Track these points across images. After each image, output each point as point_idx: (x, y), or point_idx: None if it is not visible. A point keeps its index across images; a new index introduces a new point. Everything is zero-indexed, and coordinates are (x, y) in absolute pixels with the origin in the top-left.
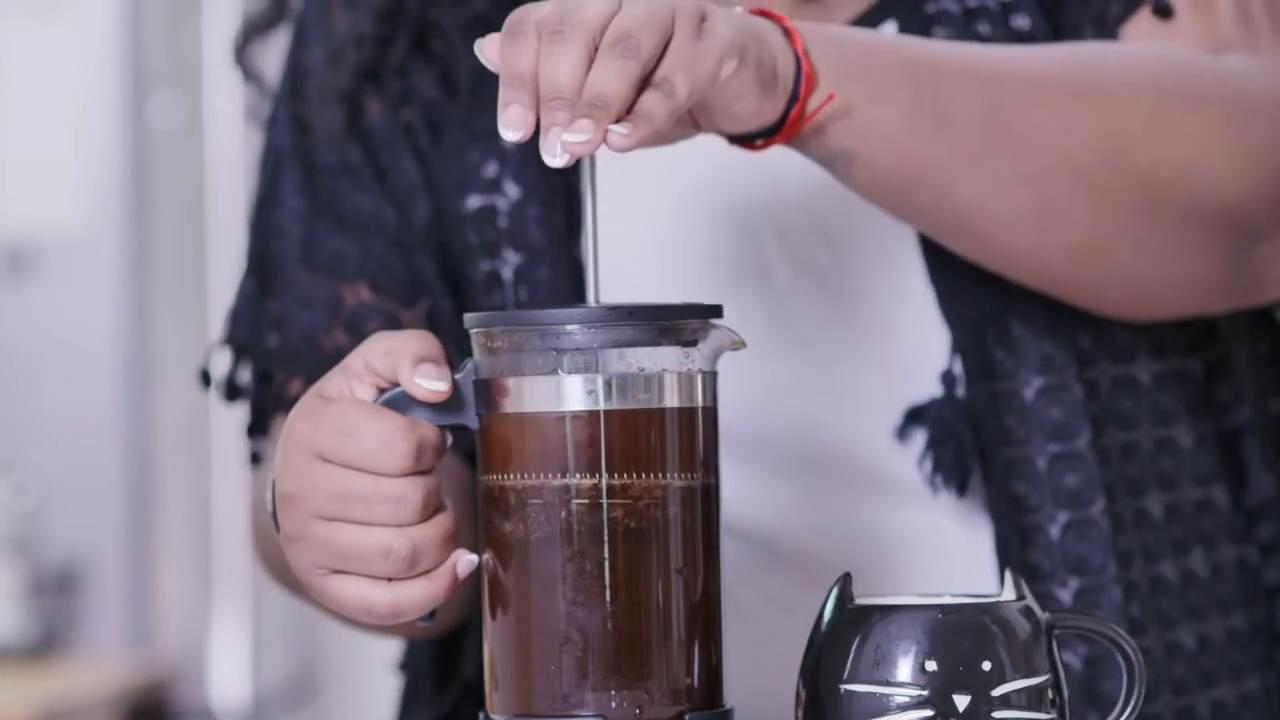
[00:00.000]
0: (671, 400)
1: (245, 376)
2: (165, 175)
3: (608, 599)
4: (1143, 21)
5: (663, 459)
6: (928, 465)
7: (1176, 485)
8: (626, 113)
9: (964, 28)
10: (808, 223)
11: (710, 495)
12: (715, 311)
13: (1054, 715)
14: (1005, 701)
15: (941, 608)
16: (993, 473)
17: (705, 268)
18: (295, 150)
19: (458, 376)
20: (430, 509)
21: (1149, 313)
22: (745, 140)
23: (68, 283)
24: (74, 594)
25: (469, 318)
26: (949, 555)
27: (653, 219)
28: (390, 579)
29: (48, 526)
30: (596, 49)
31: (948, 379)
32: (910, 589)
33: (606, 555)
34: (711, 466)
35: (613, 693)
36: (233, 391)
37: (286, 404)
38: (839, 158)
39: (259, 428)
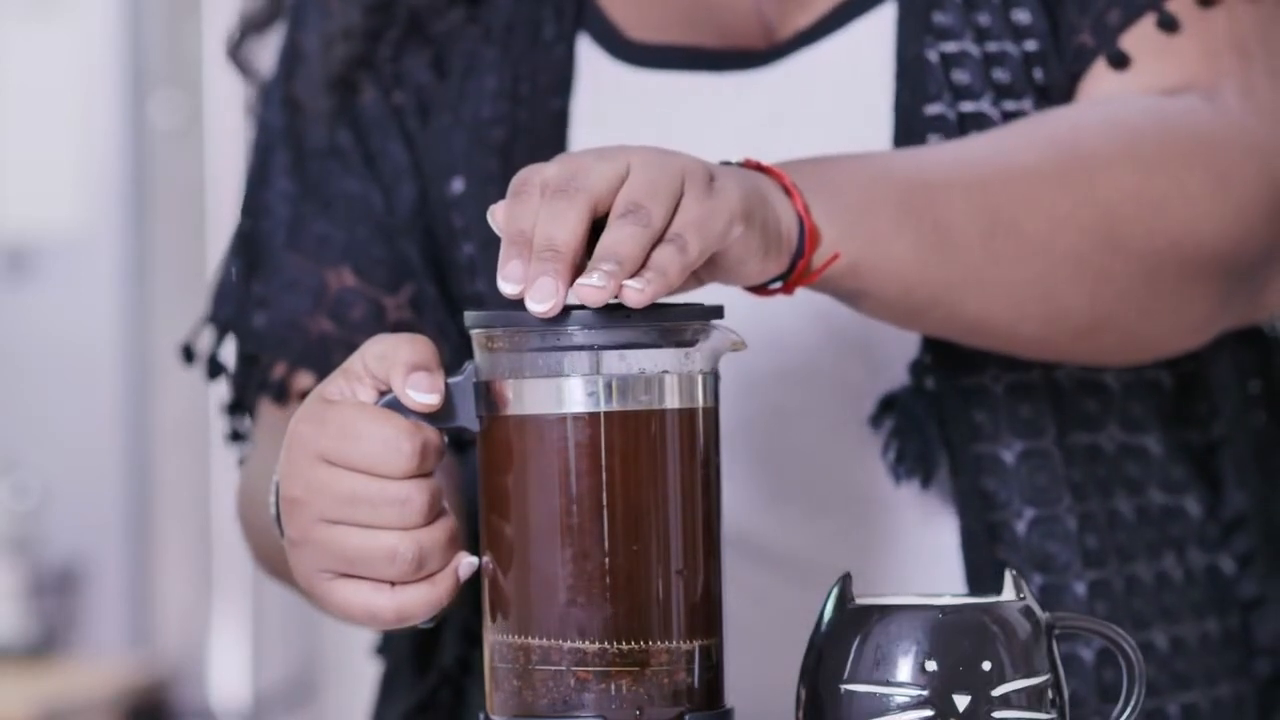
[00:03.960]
0: (672, 401)
1: (228, 355)
2: (165, 175)
3: (608, 600)
4: (1143, 33)
5: (664, 461)
6: (891, 455)
7: (1143, 491)
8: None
9: (963, 17)
10: None
11: (711, 495)
12: (716, 312)
13: (1054, 715)
14: (1005, 701)
15: (942, 608)
16: (960, 467)
17: None
18: (287, 132)
19: (457, 380)
20: (434, 512)
21: (1153, 358)
22: (753, 287)
23: (68, 283)
24: (74, 594)
25: (469, 317)
26: (916, 550)
27: None
28: (394, 583)
29: (48, 526)
30: (598, 212)
31: (917, 369)
32: (880, 583)
33: (608, 564)
34: (712, 466)
35: (613, 693)
36: (215, 369)
37: (271, 387)
38: (847, 297)
39: (240, 406)
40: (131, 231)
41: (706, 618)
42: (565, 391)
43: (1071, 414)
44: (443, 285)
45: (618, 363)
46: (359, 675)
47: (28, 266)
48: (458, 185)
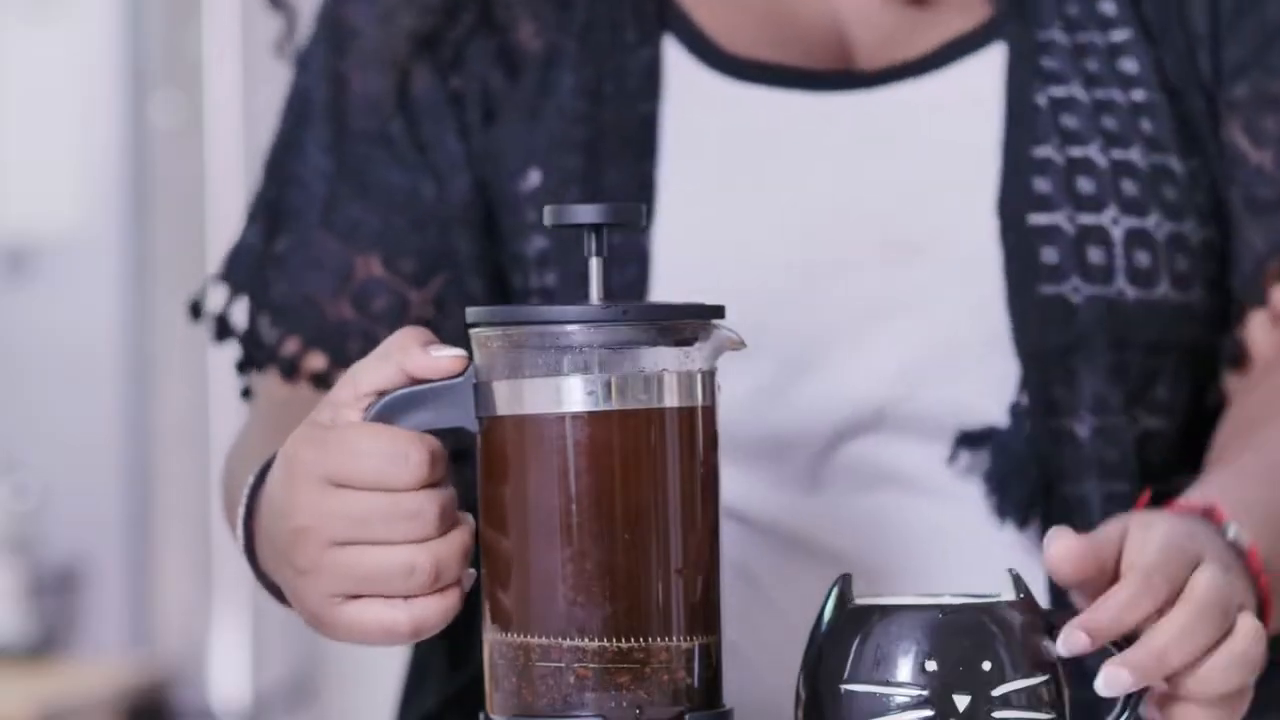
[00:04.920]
0: (672, 400)
1: (239, 318)
2: (165, 175)
3: (608, 598)
4: None
5: (663, 459)
6: (995, 498)
7: None
8: None
9: (1072, 62)
10: (889, 235)
11: (710, 494)
12: (716, 311)
13: (1053, 715)
14: (1005, 701)
15: (941, 608)
16: (1050, 509)
17: (778, 272)
18: (329, 107)
19: (456, 382)
20: (447, 522)
21: None
22: None
23: (68, 283)
24: (74, 594)
25: (470, 314)
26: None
27: (729, 221)
28: (408, 597)
29: (48, 526)
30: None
31: (1016, 412)
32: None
33: (607, 562)
34: (711, 465)
35: (613, 693)
36: (223, 331)
37: (281, 362)
38: None
39: (251, 363)
40: (131, 231)
41: (706, 616)
42: (564, 391)
43: (1151, 461)
44: (493, 282)
45: (617, 361)
46: (359, 675)
47: (28, 266)
48: (534, 179)
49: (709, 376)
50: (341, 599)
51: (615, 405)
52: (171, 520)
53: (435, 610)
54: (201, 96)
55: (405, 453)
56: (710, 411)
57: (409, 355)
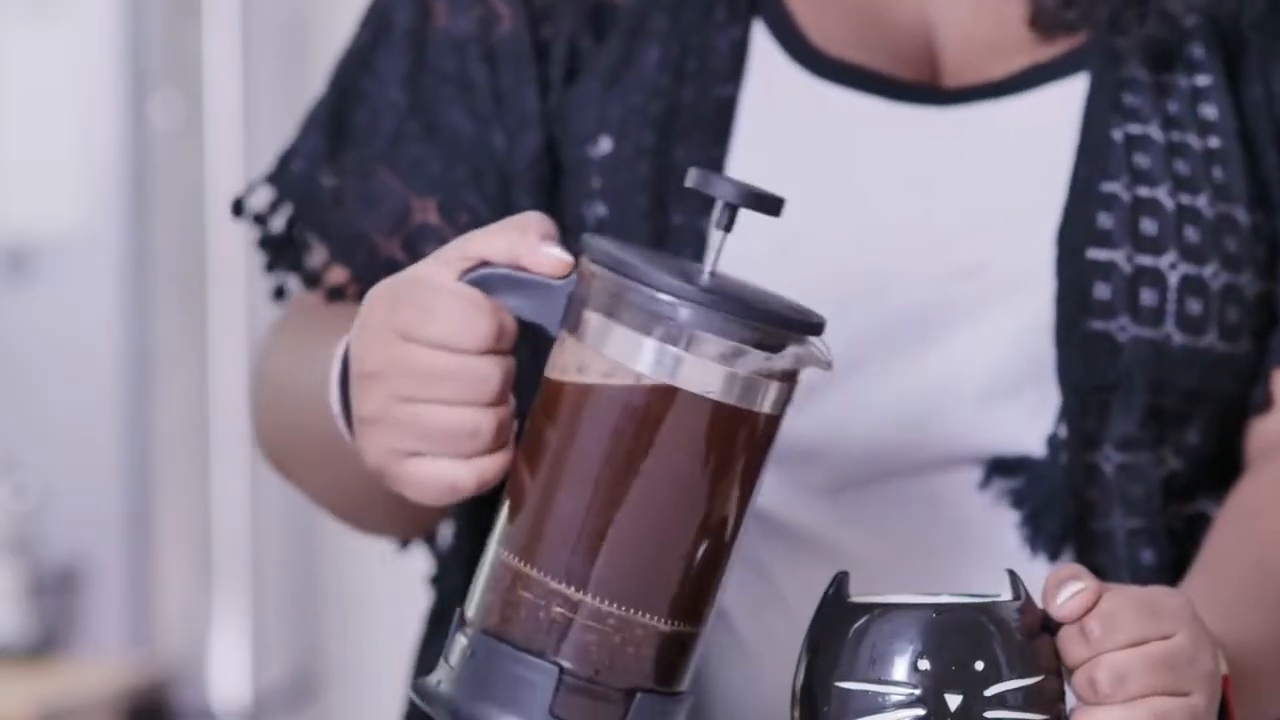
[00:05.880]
0: (740, 399)
1: (278, 222)
2: (165, 175)
3: (609, 560)
4: None
5: (708, 452)
6: (1029, 529)
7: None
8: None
9: (1153, 101)
10: (946, 254)
11: (743, 499)
12: (815, 328)
13: (1049, 716)
14: (1000, 701)
15: (936, 607)
16: (1081, 543)
17: (829, 276)
18: (410, 36)
19: (559, 283)
20: (506, 391)
21: None
22: None
23: (68, 283)
24: (74, 594)
25: (587, 239)
26: None
27: (788, 218)
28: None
29: (48, 526)
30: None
31: (1053, 444)
32: None
33: (621, 527)
34: (753, 474)
35: (579, 648)
36: (266, 237)
37: (325, 289)
38: None
39: (281, 262)
40: (131, 231)
41: (695, 607)
42: (640, 349)
43: (1173, 495)
44: None
45: (700, 343)
46: (359, 675)
47: (28, 266)
48: (605, 145)
49: (784, 388)
50: (404, 454)
51: (680, 384)
52: (171, 520)
53: (495, 465)
54: (201, 96)
55: (476, 318)
56: (773, 421)
57: (524, 239)
